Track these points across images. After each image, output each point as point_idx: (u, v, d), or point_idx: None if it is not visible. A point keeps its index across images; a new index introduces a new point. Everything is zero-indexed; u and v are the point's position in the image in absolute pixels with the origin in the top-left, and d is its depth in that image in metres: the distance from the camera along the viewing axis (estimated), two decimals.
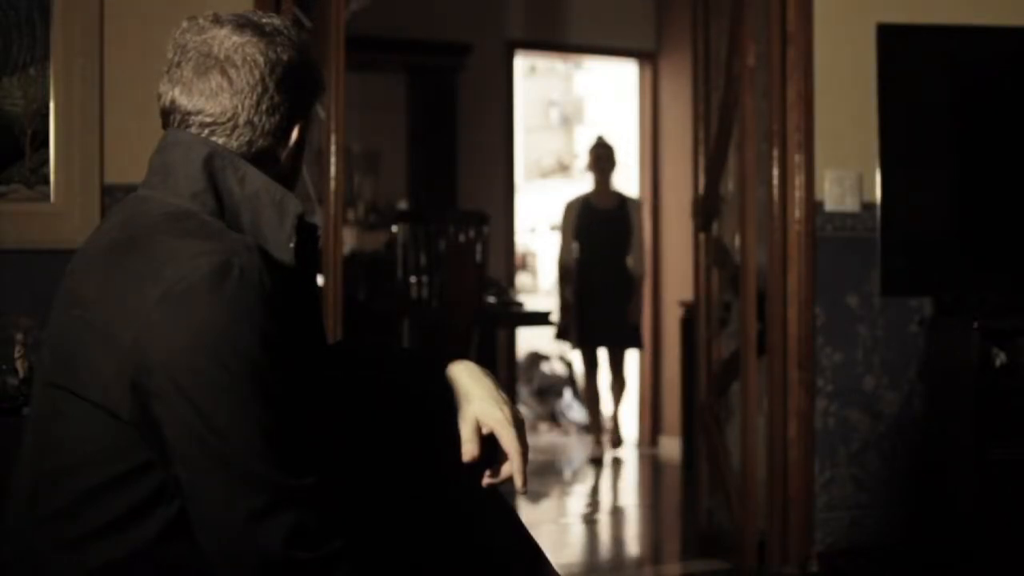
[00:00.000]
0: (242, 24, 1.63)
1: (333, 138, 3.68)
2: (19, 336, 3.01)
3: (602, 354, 6.79)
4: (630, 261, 6.67)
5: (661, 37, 7.08)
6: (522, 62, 7.81)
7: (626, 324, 6.65)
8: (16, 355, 2.98)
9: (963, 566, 3.69)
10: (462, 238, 5.71)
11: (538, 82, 9.18)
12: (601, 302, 6.61)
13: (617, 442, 6.99)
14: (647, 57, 7.15)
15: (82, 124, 3.31)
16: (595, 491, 5.92)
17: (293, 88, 1.65)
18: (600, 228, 6.65)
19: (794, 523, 3.96)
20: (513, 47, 7.12)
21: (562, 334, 6.85)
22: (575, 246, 6.70)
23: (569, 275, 6.71)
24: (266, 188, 1.63)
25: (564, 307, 6.75)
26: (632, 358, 7.03)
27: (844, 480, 4.00)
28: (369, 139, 7.13)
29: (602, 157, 6.73)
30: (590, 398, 6.90)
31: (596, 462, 6.65)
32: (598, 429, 6.81)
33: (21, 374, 2.95)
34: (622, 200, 6.74)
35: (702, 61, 4.45)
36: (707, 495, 4.43)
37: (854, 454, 4.01)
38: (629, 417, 7.15)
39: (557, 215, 7.13)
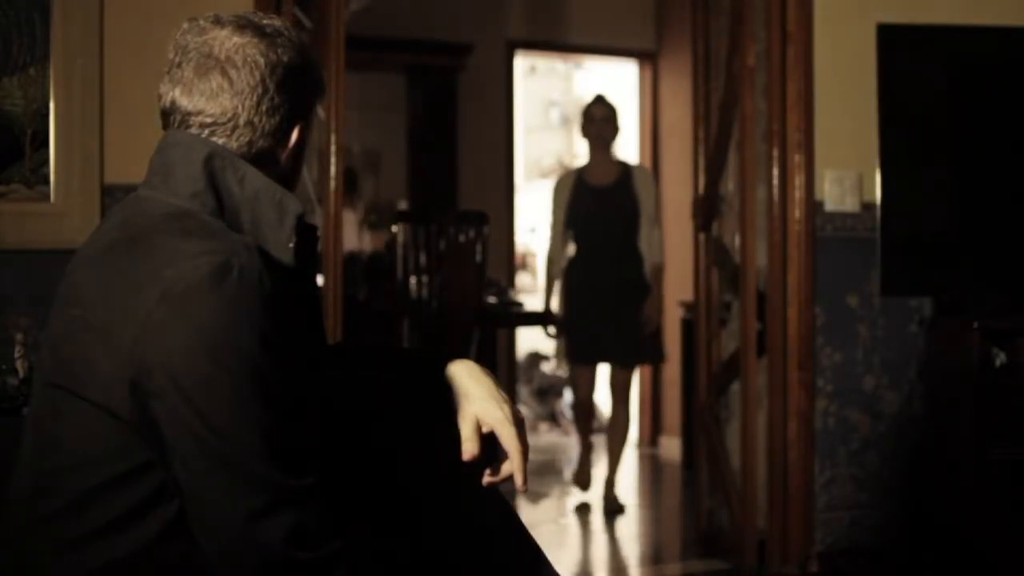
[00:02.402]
0: (243, 25, 1.63)
1: (333, 138, 3.68)
2: (19, 336, 3.01)
3: (603, 371, 5.47)
4: (643, 248, 5.28)
5: (661, 37, 7.09)
6: (522, 62, 7.81)
7: (636, 334, 5.25)
8: (16, 355, 2.98)
9: (963, 566, 3.69)
10: (462, 238, 5.70)
11: (538, 82, 9.18)
12: (602, 305, 5.24)
13: (614, 508, 5.26)
14: (647, 57, 7.15)
15: (82, 124, 3.31)
16: (595, 491, 5.92)
17: (293, 89, 1.65)
18: (598, 210, 5.29)
19: (794, 523, 3.96)
20: (513, 47, 7.12)
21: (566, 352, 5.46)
22: (569, 234, 5.39)
23: (557, 273, 5.40)
24: (266, 188, 1.63)
25: (548, 313, 5.45)
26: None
27: (844, 480, 4.00)
28: (369, 139, 7.14)
29: (599, 120, 5.34)
30: (581, 420, 5.57)
31: (584, 509, 5.28)
32: (587, 460, 5.43)
33: (21, 374, 2.95)
34: (625, 171, 5.33)
35: (702, 61, 4.45)
36: (707, 495, 4.43)
37: (854, 454, 4.02)
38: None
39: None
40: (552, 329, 5.43)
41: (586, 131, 5.41)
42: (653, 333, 5.29)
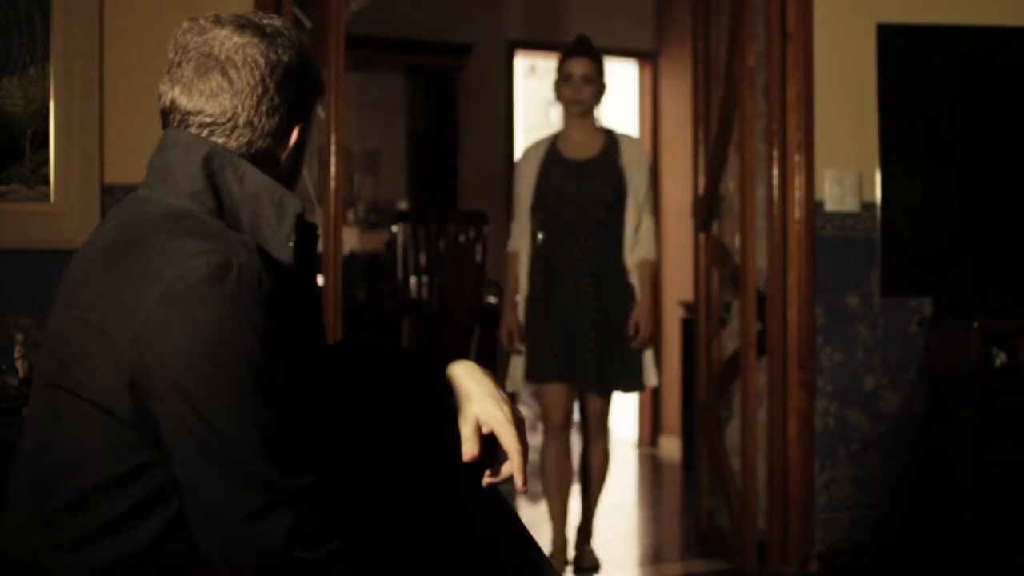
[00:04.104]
0: (243, 25, 1.63)
1: (333, 138, 3.68)
2: (19, 336, 3.01)
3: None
4: (627, 241, 4.08)
5: (661, 37, 7.09)
6: (522, 62, 7.81)
7: (618, 352, 4.04)
8: (16, 355, 2.98)
9: (963, 566, 3.69)
10: (462, 238, 5.71)
11: (538, 82, 9.18)
12: (574, 313, 4.03)
13: (589, 565, 4.18)
14: (647, 57, 7.15)
15: (82, 124, 3.31)
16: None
17: (293, 89, 1.65)
18: (573, 190, 4.08)
19: (794, 523, 3.96)
20: (513, 47, 7.12)
21: (531, 371, 4.12)
22: (536, 220, 4.17)
23: (521, 271, 4.14)
24: (265, 188, 1.63)
25: (505, 324, 4.15)
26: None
27: (844, 480, 4.00)
28: (369, 139, 7.14)
29: (578, 79, 4.08)
30: (553, 467, 4.17)
31: None
32: (562, 532, 4.14)
33: (21, 374, 2.96)
34: (611, 142, 4.13)
35: (702, 61, 4.45)
36: (707, 495, 4.43)
37: (854, 454, 4.02)
38: (629, 418, 7.11)
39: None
40: (519, 345, 4.14)
41: (559, 92, 4.15)
42: (637, 351, 4.07)
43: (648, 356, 4.12)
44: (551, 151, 4.15)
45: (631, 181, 4.08)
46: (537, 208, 4.15)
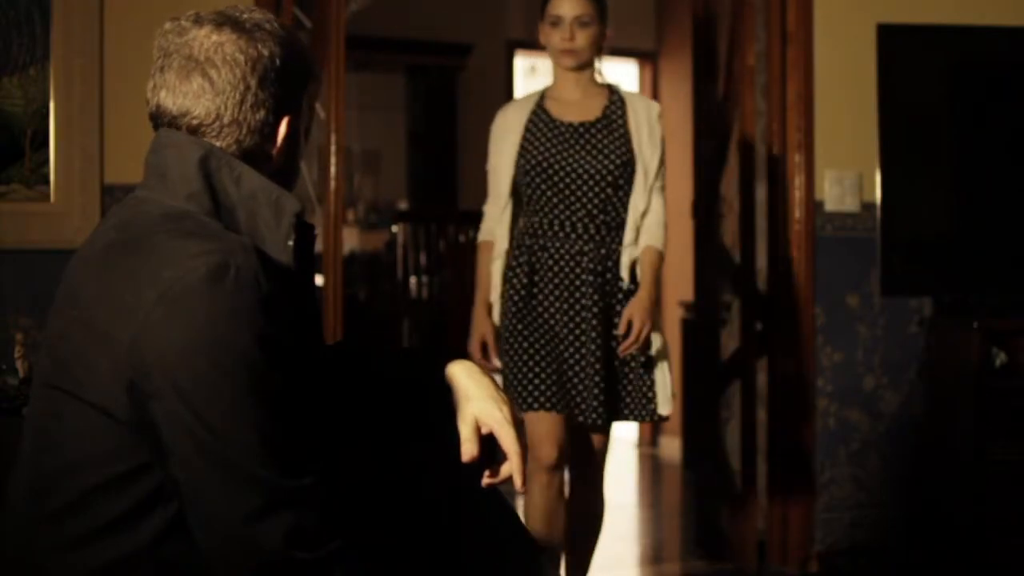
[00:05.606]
0: (221, 23, 1.62)
1: (333, 138, 3.68)
2: (19, 336, 3.01)
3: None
4: (630, 226, 3.15)
5: (661, 37, 7.09)
6: (522, 62, 7.81)
7: (628, 371, 3.14)
8: (16, 355, 2.98)
9: (963, 566, 3.69)
10: (462, 238, 5.70)
11: (538, 82, 9.18)
12: (566, 324, 3.13)
13: None
14: (647, 57, 7.15)
15: (82, 124, 3.31)
16: None
17: (277, 83, 1.64)
18: (567, 163, 3.17)
19: (794, 523, 3.96)
20: (513, 47, 7.13)
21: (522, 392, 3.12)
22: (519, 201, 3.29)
23: (488, 265, 3.27)
24: (262, 188, 1.62)
25: (477, 331, 3.24)
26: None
27: (844, 480, 4.00)
28: (369, 139, 7.14)
29: (570, 22, 3.19)
30: (535, 521, 3.08)
31: None
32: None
33: (21, 374, 2.95)
34: (616, 103, 3.22)
35: (702, 61, 4.45)
36: (707, 495, 4.43)
37: (854, 454, 4.02)
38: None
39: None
40: (495, 359, 3.24)
41: (546, 39, 3.28)
42: (646, 365, 3.13)
43: (663, 377, 3.16)
44: (537, 112, 3.27)
45: (641, 152, 3.16)
46: (519, 185, 3.25)
